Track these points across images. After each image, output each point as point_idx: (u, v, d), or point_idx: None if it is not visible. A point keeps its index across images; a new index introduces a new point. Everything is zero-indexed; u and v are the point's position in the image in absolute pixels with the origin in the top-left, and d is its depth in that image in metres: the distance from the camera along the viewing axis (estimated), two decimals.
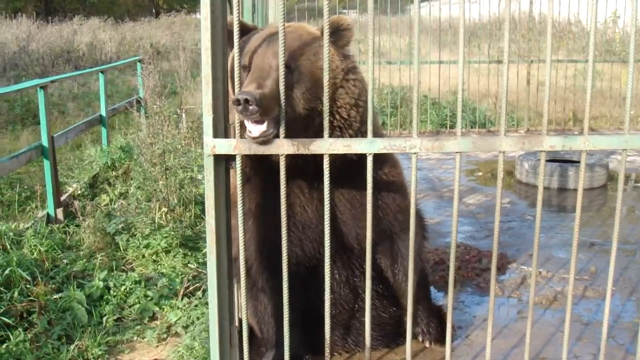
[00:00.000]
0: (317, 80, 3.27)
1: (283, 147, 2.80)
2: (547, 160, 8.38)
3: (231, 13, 2.90)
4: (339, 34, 3.47)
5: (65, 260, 6.21)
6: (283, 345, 3.15)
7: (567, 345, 3.36)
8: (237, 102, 2.88)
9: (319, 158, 2.91)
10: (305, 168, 3.52)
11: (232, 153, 2.81)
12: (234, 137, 2.85)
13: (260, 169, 3.58)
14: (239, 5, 2.85)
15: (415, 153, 2.86)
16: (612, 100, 12.89)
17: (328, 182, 2.85)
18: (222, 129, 2.86)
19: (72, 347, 4.67)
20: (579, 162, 8.25)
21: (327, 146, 2.78)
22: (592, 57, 2.92)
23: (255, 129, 2.93)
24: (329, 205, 2.87)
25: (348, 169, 3.51)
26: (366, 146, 2.80)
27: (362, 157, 2.93)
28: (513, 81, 12.76)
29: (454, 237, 2.99)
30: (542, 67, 11.87)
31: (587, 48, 13.67)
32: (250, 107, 2.88)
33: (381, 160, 3.75)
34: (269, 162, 3.42)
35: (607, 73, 13.22)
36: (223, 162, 2.92)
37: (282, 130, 2.83)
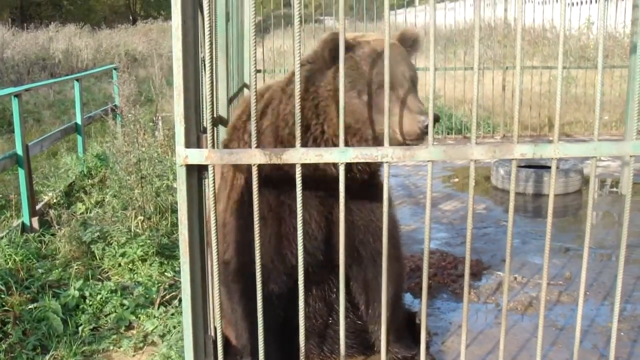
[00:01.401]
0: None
1: (255, 157, 2.80)
2: (523, 166, 8.46)
3: (203, 22, 2.89)
4: (415, 46, 3.74)
5: (40, 270, 6.15)
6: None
7: (540, 350, 3.39)
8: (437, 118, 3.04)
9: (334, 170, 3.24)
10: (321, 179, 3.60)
11: (205, 163, 2.81)
12: (206, 147, 2.85)
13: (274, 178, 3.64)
14: (210, 14, 2.85)
15: (387, 162, 2.87)
16: (587, 106, 13.02)
17: (300, 191, 2.86)
18: (194, 139, 2.86)
19: (47, 357, 4.63)
20: None
21: (298, 156, 2.79)
22: (561, 66, 2.96)
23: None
24: (301, 215, 2.87)
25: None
26: (337, 155, 2.81)
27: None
28: (489, 87, 12.87)
29: (427, 244, 3.00)
30: (516, 73, 11.94)
31: (564, 54, 13.80)
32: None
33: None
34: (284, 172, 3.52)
35: (581, 79, 13.34)
36: (195, 172, 2.92)
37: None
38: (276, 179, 3.58)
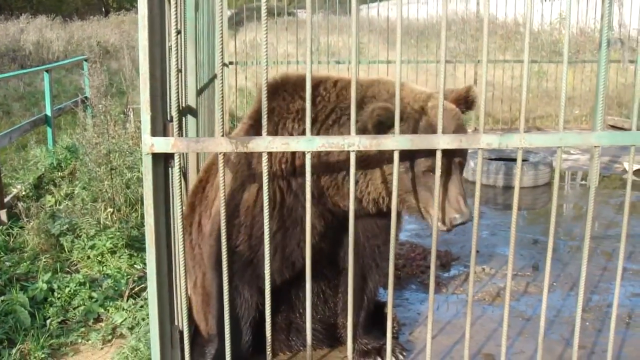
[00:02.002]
0: None
1: (221, 145, 2.79)
2: (493, 159, 8.52)
3: (170, 11, 2.87)
4: (471, 107, 3.76)
5: (8, 263, 6.08)
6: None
7: (505, 340, 3.42)
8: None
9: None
10: None
11: (171, 151, 2.79)
12: (173, 136, 2.83)
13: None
14: (177, 3, 2.84)
15: (354, 151, 2.87)
16: (558, 100, 13.08)
17: (267, 181, 2.85)
18: (160, 127, 2.84)
19: (14, 350, 4.57)
20: (525, 160, 8.40)
21: (265, 144, 2.78)
22: (527, 55, 2.98)
23: None
24: (267, 199, 2.87)
25: None
26: (304, 144, 2.80)
27: None
28: (461, 80, 12.92)
29: (393, 233, 3.01)
30: (489, 67, 12.03)
31: (536, 48, 13.92)
32: None
33: None
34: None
35: (553, 74, 13.45)
36: (162, 160, 2.90)
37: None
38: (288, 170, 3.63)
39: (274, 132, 3.63)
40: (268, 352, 3.14)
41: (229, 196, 3.70)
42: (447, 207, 3.43)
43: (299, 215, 3.66)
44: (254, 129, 3.71)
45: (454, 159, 3.48)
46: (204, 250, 4.10)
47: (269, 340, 3.10)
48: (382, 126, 3.28)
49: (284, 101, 3.72)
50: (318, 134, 3.52)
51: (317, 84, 3.69)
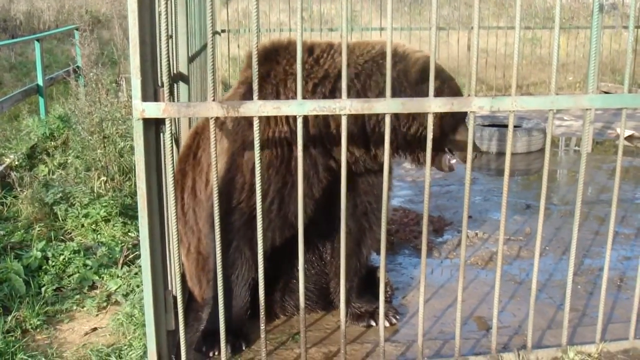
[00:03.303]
0: None
1: (212, 109, 2.79)
2: (487, 125, 8.52)
3: None
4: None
5: (2, 232, 6.08)
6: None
7: (497, 303, 3.45)
8: None
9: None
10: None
11: (161, 116, 2.79)
12: (164, 101, 2.82)
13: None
14: None
15: (345, 115, 2.87)
16: (551, 66, 13.07)
17: (258, 146, 2.86)
18: (151, 92, 2.84)
19: (9, 318, 4.59)
20: (518, 126, 8.40)
21: (256, 108, 2.78)
22: (519, 15, 2.97)
23: None
24: (259, 161, 2.87)
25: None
26: (295, 108, 2.81)
27: None
28: (454, 48, 12.87)
29: (385, 198, 3.02)
30: (482, 34, 11.97)
31: (530, 15, 13.86)
32: None
33: None
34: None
35: (547, 40, 13.42)
36: (153, 125, 2.90)
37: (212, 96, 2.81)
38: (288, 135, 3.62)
39: (274, 94, 3.62)
40: (262, 315, 3.16)
41: (230, 158, 3.70)
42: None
43: (305, 171, 3.68)
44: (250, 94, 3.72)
45: None
46: (199, 215, 4.11)
47: (262, 303, 3.12)
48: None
49: (278, 65, 3.71)
50: (324, 95, 3.50)
51: (314, 47, 3.71)
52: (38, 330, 4.52)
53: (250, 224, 3.77)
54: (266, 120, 3.52)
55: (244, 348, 3.80)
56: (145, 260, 2.99)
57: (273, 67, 3.70)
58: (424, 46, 12.51)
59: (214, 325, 3.52)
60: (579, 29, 13.71)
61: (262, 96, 3.45)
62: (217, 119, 2.88)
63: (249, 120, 3.65)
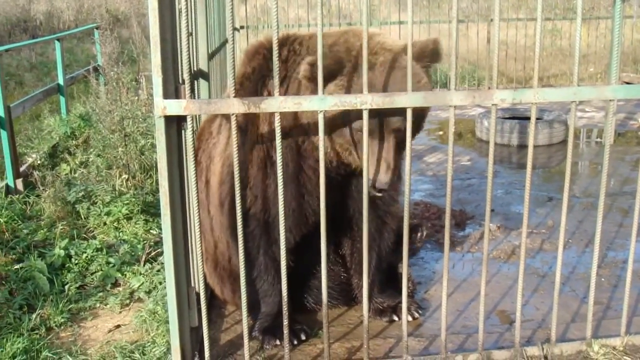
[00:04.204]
0: None
1: (234, 105, 2.79)
2: (507, 118, 8.47)
3: None
4: (435, 57, 3.47)
5: (25, 231, 6.14)
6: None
7: (521, 296, 3.43)
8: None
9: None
10: None
11: (183, 114, 2.80)
12: (185, 98, 2.83)
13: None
14: None
15: (366, 109, 2.86)
16: (572, 58, 12.95)
17: (280, 141, 2.85)
18: (172, 90, 2.84)
19: (34, 315, 4.63)
20: (539, 118, 8.34)
21: (277, 104, 2.78)
22: (541, 7, 2.94)
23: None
24: (281, 160, 2.87)
25: None
26: (317, 103, 2.80)
27: None
28: (474, 40, 12.80)
29: (407, 193, 3.01)
30: (502, 26, 11.90)
31: (550, 6, 13.75)
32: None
33: None
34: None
35: (567, 31, 13.30)
36: (174, 123, 2.91)
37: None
38: (296, 131, 3.58)
39: (254, 91, 3.58)
40: (284, 311, 3.16)
41: (229, 159, 3.69)
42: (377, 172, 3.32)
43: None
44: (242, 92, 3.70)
45: (389, 121, 3.24)
46: (202, 214, 4.10)
47: (285, 299, 3.13)
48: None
49: (264, 59, 3.70)
50: (286, 90, 3.45)
51: (286, 40, 3.68)
52: (62, 327, 4.56)
53: (266, 226, 3.77)
54: (262, 120, 3.53)
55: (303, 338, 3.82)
56: (168, 257, 3.00)
57: (259, 62, 3.70)
58: (443, 39, 12.43)
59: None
60: (599, 19, 13.57)
61: (242, 94, 3.47)
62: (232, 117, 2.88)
63: (252, 119, 3.64)
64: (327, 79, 3.10)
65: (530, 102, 3.03)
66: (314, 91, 3.04)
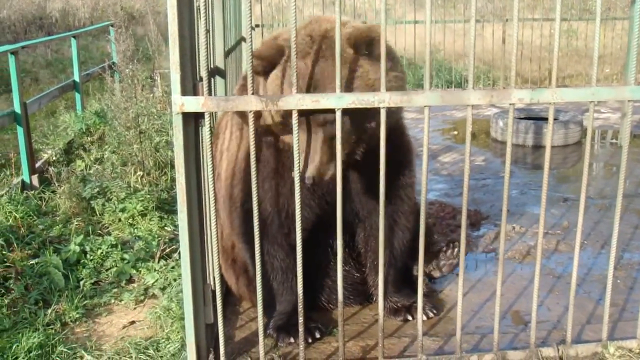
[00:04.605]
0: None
1: (251, 103, 2.79)
2: (522, 118, 8.44)
3: None
4: (372, 47, 3.23)
5: (41, 226, 6.17)
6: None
7: (537, 297, 3.42)
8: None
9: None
10: None
11: (201, 110, 2.80)
12: (202, 95, 2.84)
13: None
14: None
15: (384, 107, 2.86)
16: (588, 59, 12.91)
17: (297, 139, 2.86)
18: (190, 87, 2.85)
19: (49, 311, 4.66)
20: (555, 119, 8.30)
21: (295, 102, 2.78)
22: (559, 7, 2.93)
23: None
24: (298, 155, 2.88)
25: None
26: (334, 101, 2.80)
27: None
28: (489, 40, 12.76)
29: (424, 193, 3.01)
30: (518, 26, 11.85)
31: (566, 7, 13.68)
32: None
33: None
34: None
35: (583, 32, 13.24)
36: (192, 119, 2.91)
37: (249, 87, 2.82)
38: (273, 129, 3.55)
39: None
40: (300, 309, 3.17)
41: (244, 161, 3.67)
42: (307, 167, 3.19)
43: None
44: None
45: (316, 118, 3.12)
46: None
47: (301, 298, 3.13)
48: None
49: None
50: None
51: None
52: (77, 323, 4.58)
53: (279, 227, 3.78)
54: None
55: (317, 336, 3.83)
56: (184, 254, 3.00)
57: None
58: (458, 39, 12.45)
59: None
60: (615, 20, 13.50)
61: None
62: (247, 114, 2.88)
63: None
64: (269, 69, 3.16)
65: (548, 102, 3.02)
66: (259, 83, 3.17)
